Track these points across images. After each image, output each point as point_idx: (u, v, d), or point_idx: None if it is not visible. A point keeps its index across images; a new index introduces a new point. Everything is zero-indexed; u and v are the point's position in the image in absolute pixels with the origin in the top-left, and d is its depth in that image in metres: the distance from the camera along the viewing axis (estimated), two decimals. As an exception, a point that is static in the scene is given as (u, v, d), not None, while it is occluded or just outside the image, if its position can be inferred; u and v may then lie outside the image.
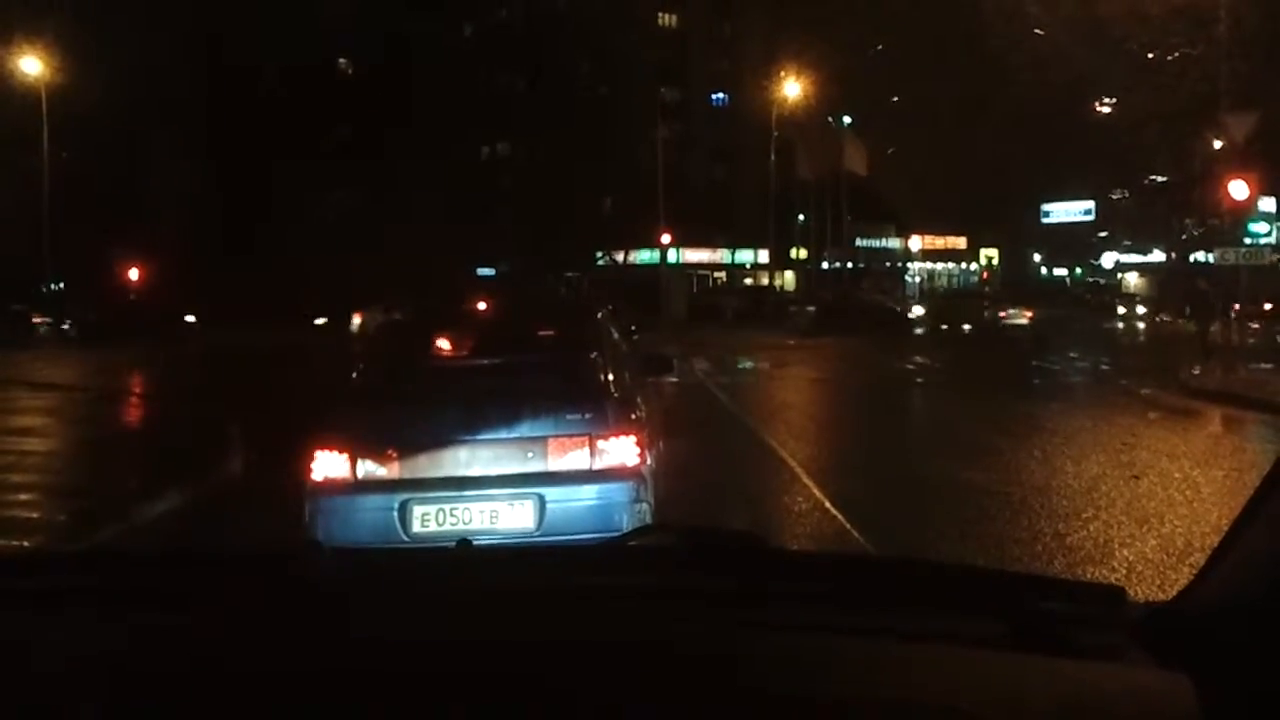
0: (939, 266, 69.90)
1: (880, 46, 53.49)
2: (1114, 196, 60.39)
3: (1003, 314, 40.32)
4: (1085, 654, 1.32)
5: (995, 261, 68.12)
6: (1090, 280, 61.15)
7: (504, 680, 1.24)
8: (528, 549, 1.95)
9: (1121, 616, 1.43)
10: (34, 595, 1.49)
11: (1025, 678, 1.27)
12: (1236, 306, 22.71)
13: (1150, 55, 28.02)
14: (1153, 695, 1.24)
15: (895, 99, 56.19)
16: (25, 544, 7.76)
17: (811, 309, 44.32)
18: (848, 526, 7.92)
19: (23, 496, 9.63)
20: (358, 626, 1.34)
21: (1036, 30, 34.32)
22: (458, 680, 1.24)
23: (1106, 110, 52.87)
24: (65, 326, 36.75)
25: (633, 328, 22.97)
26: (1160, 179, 47.77)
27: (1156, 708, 1.22)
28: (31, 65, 39.97)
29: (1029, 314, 39.92)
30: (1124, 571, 6.87)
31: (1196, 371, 20.14)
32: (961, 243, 67.87)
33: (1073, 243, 64.66)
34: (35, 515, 8.91)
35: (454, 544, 1.67)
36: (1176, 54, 26.37)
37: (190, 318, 37.04)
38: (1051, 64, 38.92)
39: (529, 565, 1.71)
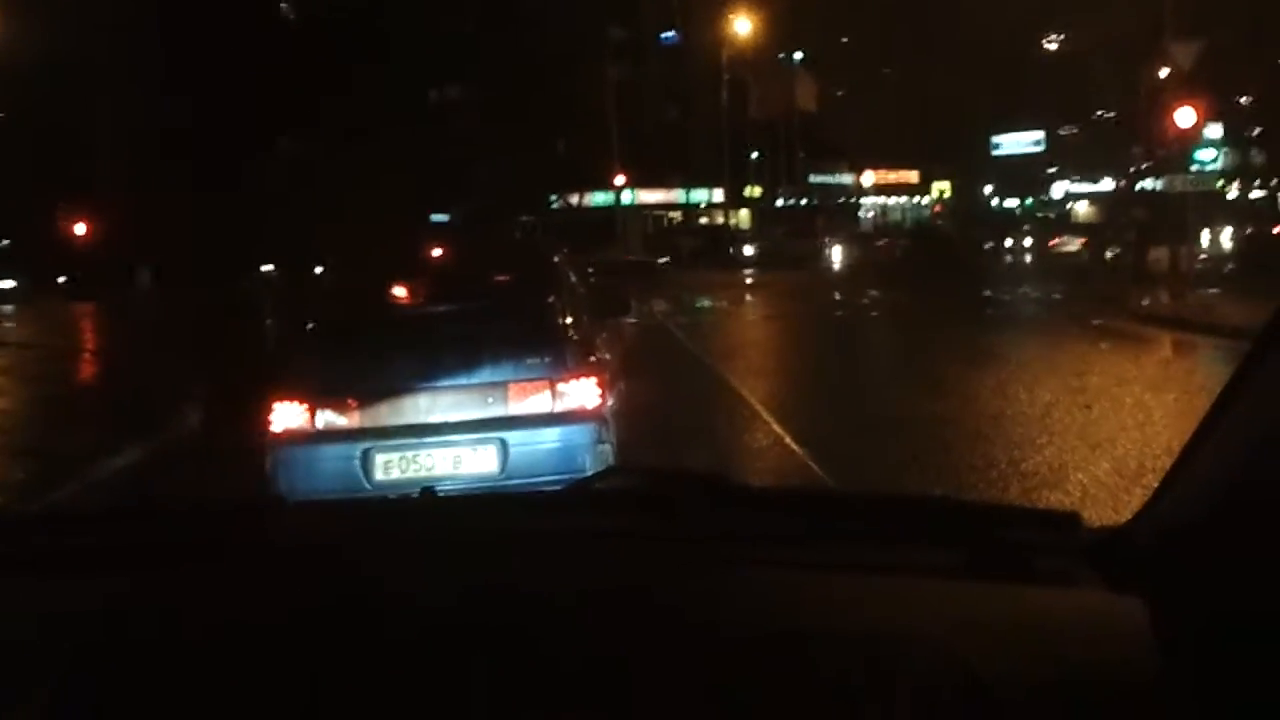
0: (892, 201, 70.04)
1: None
2: (1062, 132, 60.69)
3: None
4: (1040, 579, 1.34)
5: (947, 195, 68.33)
6: (1040, 215, 61.51)
7: (472, 625, 1.25)
8: (491, 494, 1.96)
9: (1075, 541, 1.45)
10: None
11: (982, 604, 1.30)
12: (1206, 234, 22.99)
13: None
14: (1105, 618, 1.27)
15: (844, 39, 55.91)
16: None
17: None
18: (808, 461, 8.02)
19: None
20: (323, 578, 1.34)
21: None
22: (426, 627, 1.24)
23: (1054, 46, 53.00)
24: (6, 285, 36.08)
25: (589, 269, 22.88)
26: (1109, 114, 48.03)
27: (1109, 630, 1.24)
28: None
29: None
30: (1078, 495, 7.01)
31: (1146, 302, 20.43)
32: (914, 177, 67.95)
33: (1023, 174, 64.90)
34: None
35: (417, 492, 1.68)
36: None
37: (145, 270, 36.52)
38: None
39: (493, 510, 1.72)
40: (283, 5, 51.78)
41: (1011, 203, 68.55)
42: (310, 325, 7.13)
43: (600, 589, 1.31)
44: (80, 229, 40.76)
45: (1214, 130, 24.88)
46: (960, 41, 47.29)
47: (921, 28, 48.80)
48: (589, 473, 6.02)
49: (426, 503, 1.65)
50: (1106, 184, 59.20)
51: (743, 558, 1.40)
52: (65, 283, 33.84)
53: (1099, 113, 53.05)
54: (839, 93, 55.92)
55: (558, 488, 1.83)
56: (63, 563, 1.44)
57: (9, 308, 31.27)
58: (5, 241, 41.91)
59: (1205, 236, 32.67)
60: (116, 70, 38.81)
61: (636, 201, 58.59)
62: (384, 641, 1.23)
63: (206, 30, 41.80)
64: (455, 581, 1.33)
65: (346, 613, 1.27)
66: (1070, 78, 52.85)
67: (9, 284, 36.48)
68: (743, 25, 52.67)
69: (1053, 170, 65.07)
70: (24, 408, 12.91)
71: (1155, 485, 1.39)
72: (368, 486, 5.89)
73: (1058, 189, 65.99)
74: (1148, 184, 45.07)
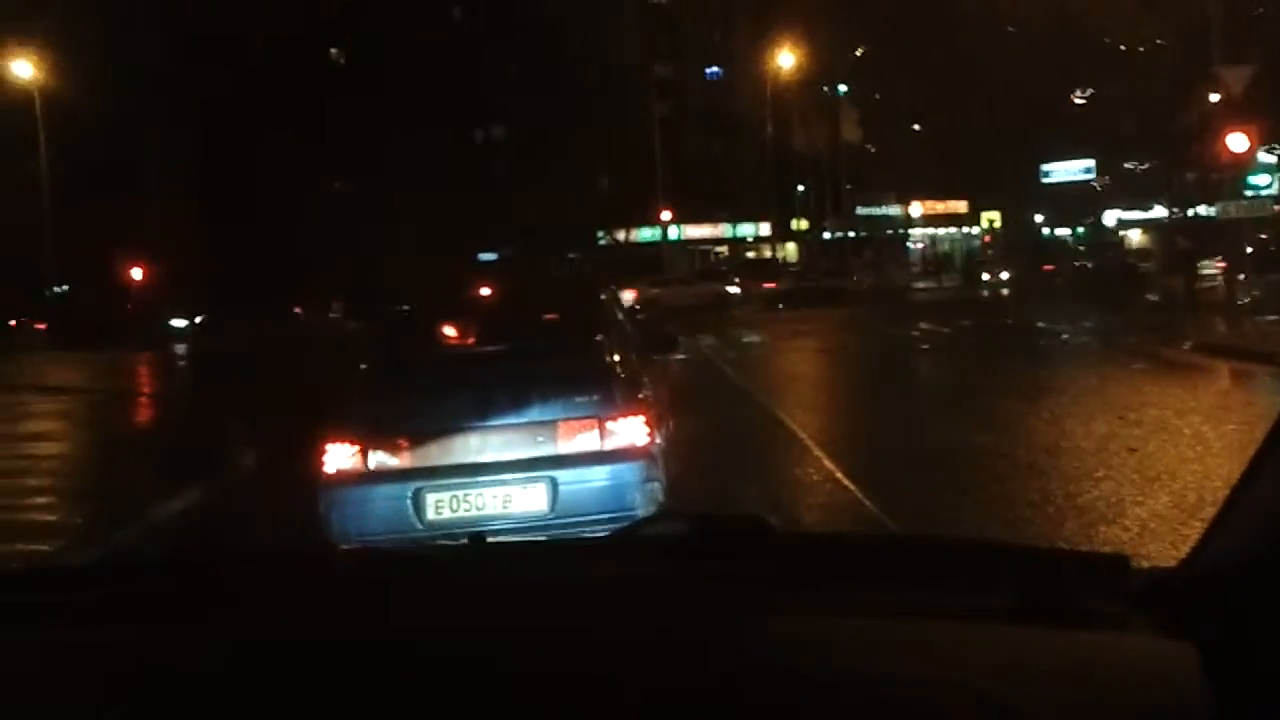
0: (940, 232, 69.67)
1: (861, 50, 53.23)
2: (1114, 157, 60.14)
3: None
4: (1090, 624, 1.33)
5: (997, 224, 67.87)
6: (1094, 241, 60.89)
7: (517, 667, 1.26)
8: (537, 543, 1.97)
9: (1126, 584, 1.43)
10: (54, 610, 1.51)
11: (1030, 649, 1.29)
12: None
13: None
14: (1157, 663, 1.25)
15: (878, 96, 56.09)
16: (43, 548, 7.81)
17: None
18: (860, 497, 7.95)
19: (39, 500, 9.68)
20: (372, 623, 1.36)
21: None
22: (472, 669, 1.26)
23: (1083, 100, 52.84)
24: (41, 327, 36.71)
25: (637, 306, 22.95)
26: (1159, 145, 47.63)
27: (1161, 675, 1.23)
28: (24, 69, 39.87)
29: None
30: (1136, 531, 6.90)
31: (1190, 334, 20.10)
32: (962, 207, 67.60)
33: (1074, 202, 64.32)
34: (52, 518, 8.97)
35: (466, 539, 1.69)
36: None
37: (196, 318, 37.11)
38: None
39: (541, 557, 1.73)
40: (333, 51, 52.74)
41: (1063, 231, 67.91)
42: (362, 366, 7.22)
43: (640, 634, 1.32)
44: (136, 274, 41.48)
45: (1268, 156, 24.58)
46: (1003, 81, 47.25)
47: (964, 65, 48.71)
48: (638, 511, 6.04)
49: (475, 549, 1.67)
50: (1158, 210, 58.52)
51: (786, 604, 1.40)
52: (120, 326, 34.45)
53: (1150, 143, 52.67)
54: (875, 95, 55.88)
55: (603, 534, 1.83)
56: (118, 614, 1.46)
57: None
58: (65, 287, 42.75)
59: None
60: (167, 114, 39.64)
61: (683, 237, 58.77)
62: (430, 686, 1.24)
63: (258, 72, 42.64)
64: (502, 628, 1.34)
65: (394, 658, 1.29)
66: (1120, 105, 52.54)
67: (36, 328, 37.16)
68: (786, 59, 52.82)
69: (1101, 191, 64.42)
70: (83, 451, 13.14)
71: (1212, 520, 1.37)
72: (419, 526, 5.94)
73: (1109, 217, 65.26)
74: (1201, 209, 44.53)
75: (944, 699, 1.17)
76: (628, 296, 42.91)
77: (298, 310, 42.27)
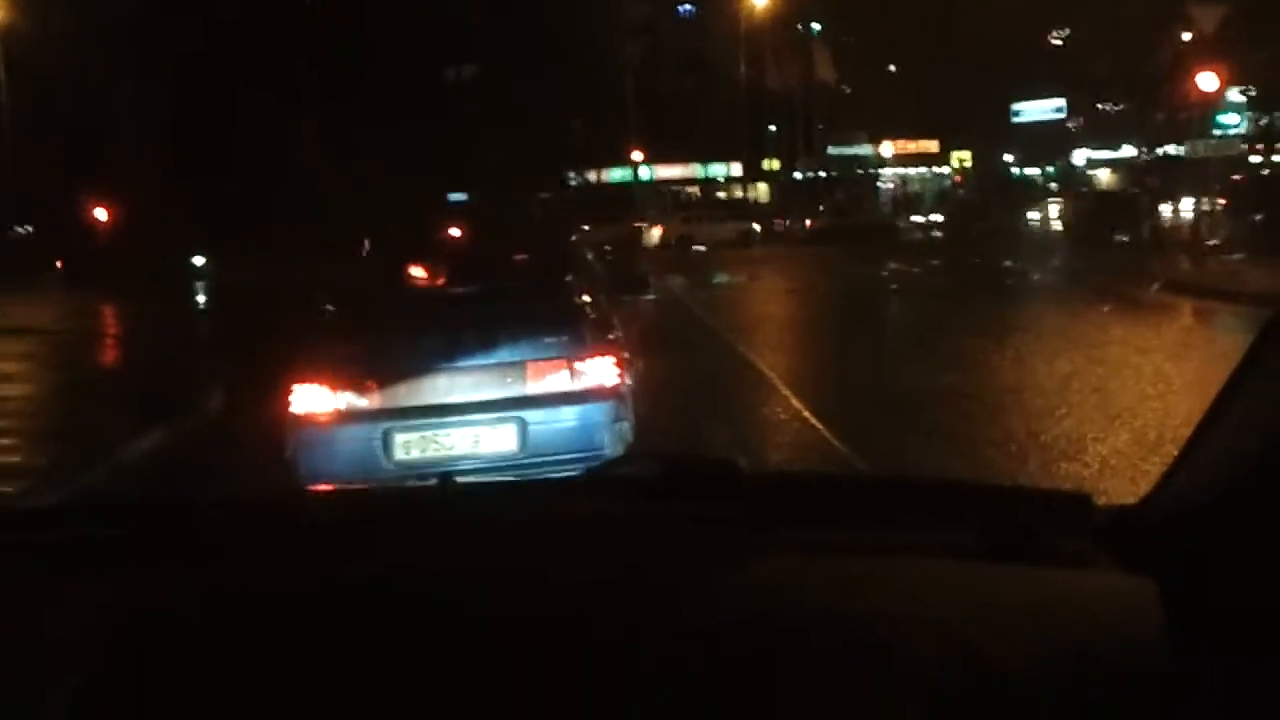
0: (912, 172, 69.54)
1: None
2: (1085, 96, 60.07)
3: None
4: (1052, 560, 1.35)
5: (968, 164, 67.79)
6: (1063, 180, 60.96)
7: (487, 610, 1.27)
8: (507, 482, 1.98)
9: (1088, 522, 1.45)
10: (26, 550, 1.51)
11: (994, 586, 1.31)
12: (1222, 201, 22.70)
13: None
14: (1118, 599, 1.27)
15: (852, 38, 55.56)
16: (8, 491, 7.80)
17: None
18: (827, 436, 8.03)
19: (3, 441, 9.63)
20: (341, 569, 1.37)
21: None
22: (443, 613, 1.27)
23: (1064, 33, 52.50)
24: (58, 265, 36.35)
25: (606, 246, 22.91)
26: (1131, 81, 47.53)
27: (1122, 612, 1.25)
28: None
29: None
30: (1097, 467, 7.01)
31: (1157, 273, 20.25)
32: (934, 146, 67.40)
33: (1044, 142, 64.30)
34: (16, 460, 8.93)
35: (435, 480, 1.71)
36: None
37: (199, 259, 36.78)
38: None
39: (510, 497, 1.74)
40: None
41: (1033, 171, 67.98)
42: (329, 307, 7.20)
43: (611, 574, 1.33)
44: (103, 215, 40.91)
45: (1237, 95, 24.61)
46: (978, 23, 46.98)
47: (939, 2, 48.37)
48: (607, 450, 6.08)
49: (444, 490, 1.68)
50: (1128, 150, 58.63)
51: (756, 543, 1.41)
52: (87, 267, 34.00)
53: (1120, 81, 52.57)
54: (856, 63, 55.54)
55: (573, 474, 1.85)
56: (92, 554, 1.47)
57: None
58: (29, 228, 42.16)
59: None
60: (136, 58, 38.88)
61: (654, 177, 58.43)
62: (400, 632, 1.25)
63: (224, 11, 41.81)
64: (472, 570, 1.35)
65: (364, 604, 1.30)
66: (1093, 46, 52.36)
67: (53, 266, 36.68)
68: (759, -1, 52.35)
69: (1073, 131, 64.41)
70: (49, 393, 13.05)
71: (1174, 456, 1.40)
72: (388, 467, 5.96)
73: (1079, 156, 65.33)
74: (1170, 149, 44.64)
75: (910, 635, 1.20)
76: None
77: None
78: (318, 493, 1.73)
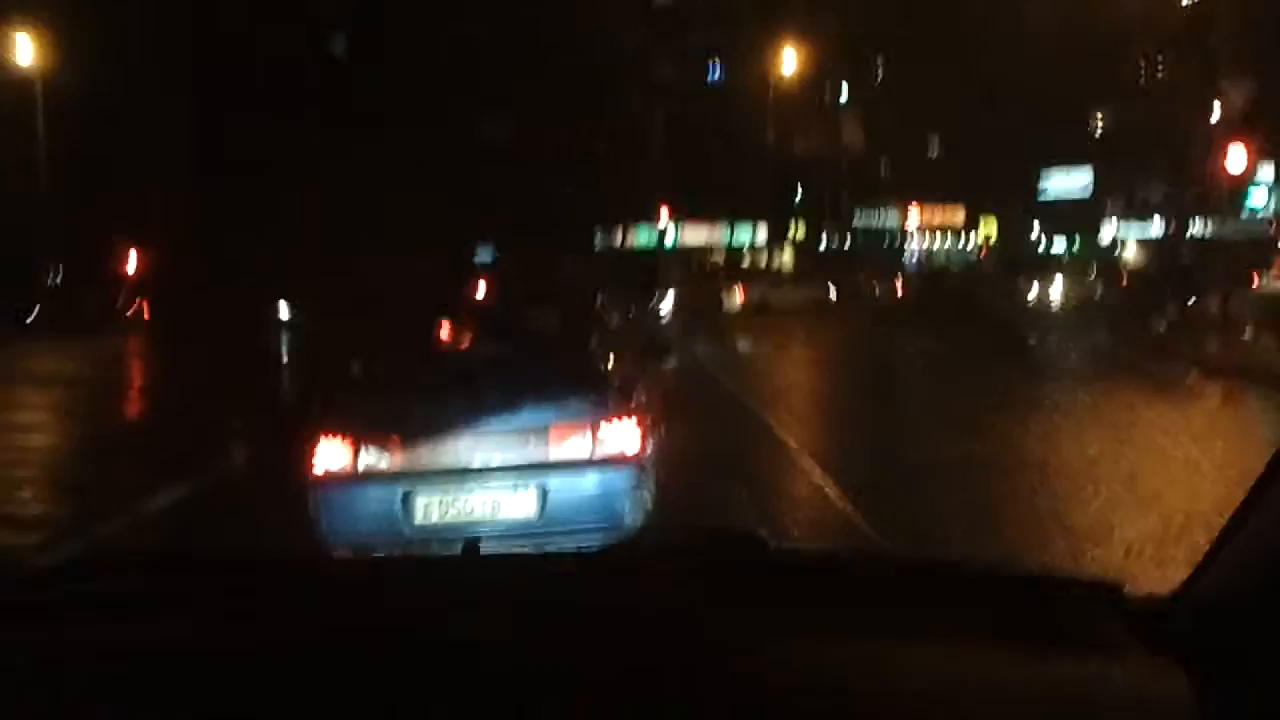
0: (937, 241, 69.74)
1: (883, 58, 52.98)
2: (1114, 171, 60.24)
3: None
4: (1084, 648, 1.33)
5: (993, 238, 67.93)
6: (1090, 255, 60.89)
7: (511, 691, 1.25)
8: (532, 555, 1.97)
9: (1119, 609, 1.43)
10: (46, 605, 1.50)
11: (1024, 672, 1.29)
12: (1257, 278, 22.58)
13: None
14: (1149, 689, 1.25)
15: (880, 104, 55.98)
16: (33, 541, 7.80)
17: None
18: (850, 510, 7.94)
19: (25, 492, 9.65)
20: (362, 630, 1.36)
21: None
22: (462, 691, 1.25)
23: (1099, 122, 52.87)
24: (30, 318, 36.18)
25: (630, 311, 22.96)
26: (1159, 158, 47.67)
27: (1153, 701, 1.23)
28: (25, 51, 39.89)
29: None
30: (1123, 552, 6.90)
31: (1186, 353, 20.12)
32: (959, 216, 67.70)
33: (1071, 214, 64.41)
34: (39, 511, 8.95)
35: (460, 546, 1.68)
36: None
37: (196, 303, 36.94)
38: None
39: (536, 571, 1.72)
40: (333, 39, 52.60)
41: (1059, 243, 68.01)
42: (354, 365, 7.21)
43: (643, 662, 1.31)
44: (132, 261, 41.37)
45: (1267, 172, 24.64)
46: (1009, 92, 47.42)
47: (970, 73, 48.80)
48: (628, 519, 6.03)
49: (469, 559, 1.66)
50: (1156, 225, 58.65)
51: (781, 624, 1.40)
52: (111, 314, 34.34)
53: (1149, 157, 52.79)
54: (884, 131, 55.95)
55: (597, 547, 1.83)
56: (112, 610, 1.46)
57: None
58: (60, 273, 42.63)
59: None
60: (161, 103, 39.54)
61: (679, 241, 58.78)
62: (415, 697, 1.23)
63: (251, 59, 42.60)
64: (494, 643, 1.33)
65: (382, 669, 1.28)
66: (1123, 119, 52.67)
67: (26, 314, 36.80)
68: (789, 65, 52.83)
69: (1100, 207, 64.54)
70: (70, 444, 13.09)
71: (1203, 542, 1.37)
72: (408, 529, 5.93)
73: (1106, 231, 65.36)
74: (1197, 227, 44.57)
75: (934, 718, 1.17)
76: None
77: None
78: (338, 553, 1.73)
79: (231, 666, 1.29)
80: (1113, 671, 1.30)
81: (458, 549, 1.77)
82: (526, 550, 3.27)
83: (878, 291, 45.50)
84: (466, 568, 1.67)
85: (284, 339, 30.21)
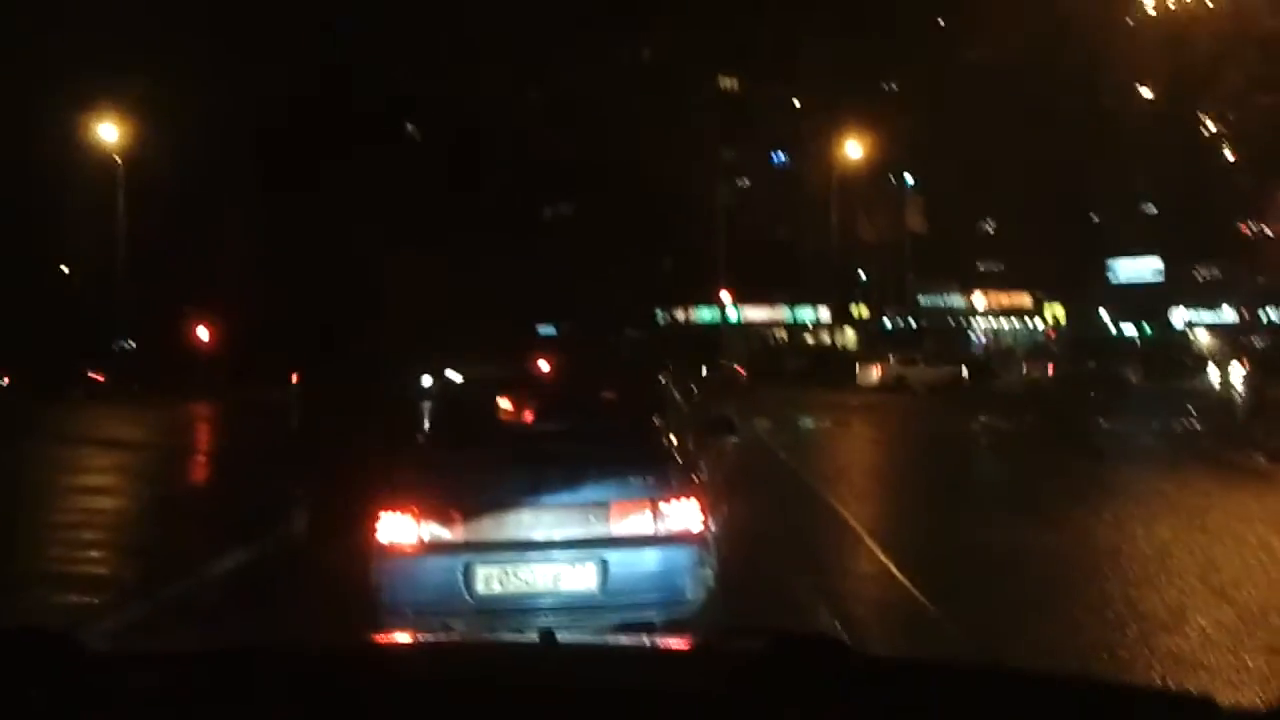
0: (1004, 324, 69.16)
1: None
2: (1183, 256, 59.53)
3: None
4: None
5: (1061, 319, 67.19)
6: (1160, 341, 59.91)
7: None
8: (611, 646, 1.94)
9: None
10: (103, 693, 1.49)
11: None
12: None
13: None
14: None
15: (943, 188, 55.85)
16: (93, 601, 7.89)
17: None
18: (915, 593, 7.79)
19: (93, 554, 9.79)
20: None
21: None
22: None
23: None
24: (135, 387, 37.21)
25: (693, 387, 22.94)
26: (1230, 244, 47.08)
27: None
28: (109, 132, 41.33)
29: None
30: (1198, 640, 6.69)
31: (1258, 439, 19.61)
32: (1026, 300, 67.15)
33: (1140, 300, 63.59)
34: (104, 572, 9.06)
35: (537, 636, 1.67)
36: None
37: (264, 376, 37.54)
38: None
39: (614, 663, 1.70)
40: (409, 125, 53.84)
41: (1129, 328, 67.06)
42: (417, 437, 7.26)
43: None
44: (204, 333, 42.25)
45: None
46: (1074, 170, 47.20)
47: (1035, 155, 48.66)
48: (689, 596, 5.97)
49: (545, 648, 1.64)
50: (1227, 312, 57.74)
51: None
52: (180, 384, 35.02)
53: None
54: (948, 215, 55.86)
55: (677, 644, 1.80)
56: (183, 704, 1.45)
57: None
58: (131, 344, 43.71)
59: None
60: (242, 178, 40.60)
61: (742, 319, 58.87)
62: None
63: (332, 143, 43.70)
64: None
65: None
66: (1189, 202, 52.13)
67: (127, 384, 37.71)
68: (853, 148, 53.10)
69: (1172, 297, 63.66)
70: (136, 507, 13.29)
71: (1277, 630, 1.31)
72: (469, 600, 5.93)
73: (1177, 317, 64.40)
74: (1273, 313, 43.80)
75: None
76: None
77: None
78: (415, 641, 1.70)
79: None
80: None
81: (529, 633, 1.75)
82: (603, 642, 3.24)
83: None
84: (544, 657, 1.65)
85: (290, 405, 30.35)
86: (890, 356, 45.58)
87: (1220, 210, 44.78)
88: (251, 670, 1.57)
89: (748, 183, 59.91)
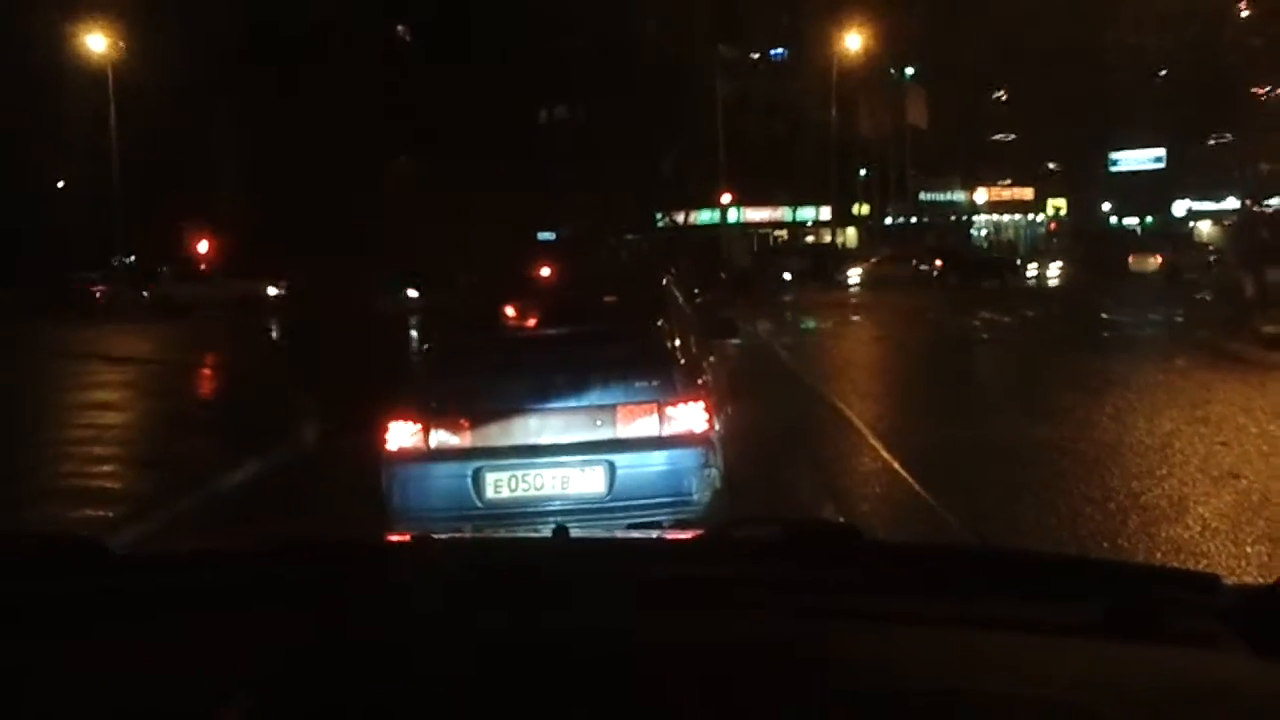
0: (1005, 218, 68.79)
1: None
2: (1186, 145, 58.81)
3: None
4: (1181, 641, 1.33)
5: (1063, 212, 66.82)
6: (1162, 232, 59.60)
7: (610, 674, 1.26)
8: (626, 540, 1.98)
9: (1216, 602, 1.43)
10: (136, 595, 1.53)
11: (1121, 665, 1.28)
12: None
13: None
14: (1250, 684, 1.25)
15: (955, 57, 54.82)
16: (110, 515, 8.00)
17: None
18: (917, 488, 7.89)
19: (106, 468, 9.90)
20: (471, 615, 1.38)
21: None
22: (571, 670, 1.26)
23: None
24: (145, 294, 37.31)
25: (695, 290, 22.93)
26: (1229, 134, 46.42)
27: (1251, 695, 1.22)
28: (97, 42, 40.69)
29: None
30: (1199, 529, 6.80)
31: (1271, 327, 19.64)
32: (1028, 194, 66.65)
33: (1143, 192, 63.03)
34: (118, 486, 9.17)
35: (551, 531, 1.70)
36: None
37: (272, 290, 37.55)
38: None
39: (631, 555, 1.73)
40: (399, 29, 52.84)
41: (1130, 221, 66.69)
42: (424, 346, 7.30)
43: (740, 642, 1.33)
44: (203, 247, 42.10)
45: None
46: (1075, 62, 46.40)
47: (1036, 45, 47.84)
48: (695, 497, 6.06)
49: (561, 543, 1.67)
50: (1230, 202, 57.28)
51: (877, 612, 1.40)
52: (188, 297, 35.09)
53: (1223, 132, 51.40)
54: (950, 109, 55.14)
55: (694, 534, 1.83)
56: (234, 598, 1.49)
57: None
58: (131, 258, 43.56)
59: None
60: (233, 89, 40.01)
61: (743, 220, 58.50)
62: (528, 684, 1.25)
63: (321, 50, 42.93)
64: (596, 628, 1.35)
65: (489, 650, 1.30)
66: (1192, 93, 51.35)
67: (139, 295, 37.75)
68: (853, 41, 52.26)
69: (1174, 187, 63.10)
70: (148, 421, 13.40)
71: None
72: (479, 505, 6.02)
73: (1179, 207, 63.98)
74: (1275, 202, 43.41)
75: (1037, 711, 1.17)
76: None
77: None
78: (440, 538, 1.73)
79: (329, 660, 1.30)
80: (1210, 664, 1.29)
81: (537, 530, 1.79)
82: (616, 535, 3.29)
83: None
84: (560, 549, 1.68)
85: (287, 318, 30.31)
86: (882, 253, 45.83)
87: (1224, 92, 43.90)
88: (282, 564, 1.60)
89: (746, 81, 59.00)
